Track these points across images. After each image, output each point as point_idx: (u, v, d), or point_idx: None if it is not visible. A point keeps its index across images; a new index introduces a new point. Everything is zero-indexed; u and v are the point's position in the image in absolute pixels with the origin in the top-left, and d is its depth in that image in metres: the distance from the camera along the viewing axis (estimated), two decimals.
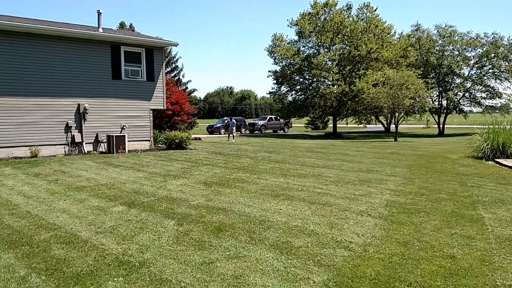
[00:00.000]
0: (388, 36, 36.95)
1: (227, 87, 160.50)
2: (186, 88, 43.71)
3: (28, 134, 15.33)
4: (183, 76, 43.78)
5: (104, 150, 17.06)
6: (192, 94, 46.95)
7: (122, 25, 41.19)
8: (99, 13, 18.28)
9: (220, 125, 41.49)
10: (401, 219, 6.24)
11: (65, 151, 16.16)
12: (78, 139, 16.40)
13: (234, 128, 29.45)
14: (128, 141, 17.16)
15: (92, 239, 5.28)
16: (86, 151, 16.49)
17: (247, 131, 43.14)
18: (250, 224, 5.90)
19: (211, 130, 40.52)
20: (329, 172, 11.36)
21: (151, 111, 18.71)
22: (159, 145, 19.52)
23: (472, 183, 9.69)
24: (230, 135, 28.83)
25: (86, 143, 16.68)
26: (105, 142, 17.10)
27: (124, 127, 17.70)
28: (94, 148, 16.99)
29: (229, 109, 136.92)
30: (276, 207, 6.96)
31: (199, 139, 26.90)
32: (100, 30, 17.97)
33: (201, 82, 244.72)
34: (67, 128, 16.26)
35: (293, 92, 40.00)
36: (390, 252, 4.74)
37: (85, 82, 16.66)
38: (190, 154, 16.46)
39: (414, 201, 7.56)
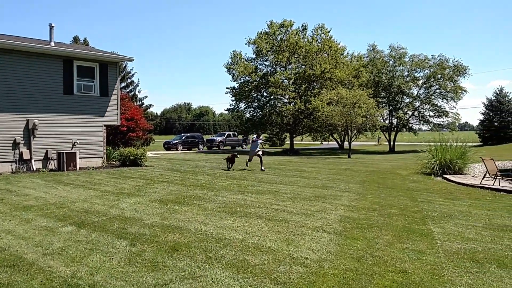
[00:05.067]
0: (341, 56, 38.35)
1: (184, 103, 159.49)
2: (142, 103, 42.99)
3: None
4: (139, 92, 43.09)
5: (54, 168, 16.31)
6: (148, 110, 46.22)
7: (76, 39, 40.12)
8: (51, 27, 17.69)
9: (177, 141, 40.94)
10: (354, 234, 6.38)
11: (12, 169, 15.30)
12: (26, 156, 15.61)
13: (258, 150, 17.54)
14: (79, 158, 16.51)
15: (38, 261, 4.99)
16: (35, 169, 15.70)
17: (205, 148, 42.84)
18: (207, 243, 5.81)
19: (168, 146, 39.86)
20: (286, 188, 11.47)
21: (105, 127, 18.17)
22: (113, 162, 18.94)
23: (422, 198, 10.11)
24: (255, 156, 17.66)
25: (35, 160, 15.89)
26: (55, 159, 16.37)
27: (76, 143, 17.05)
28: (44, 165, 16.21)
29: (187, 125, 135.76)
30: (233, 225, 6.91)
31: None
32: (52, 44, 17.37)
33: (158, 98, 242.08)
34: (15, 145, 15.44)
35: (251, 109, 40.36)
36: (345, 268, 4.81)
37: (35, 97, 15.98)
38: (145, 171, 16.08)
39: (367, 216, 7.77)
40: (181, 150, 38.67)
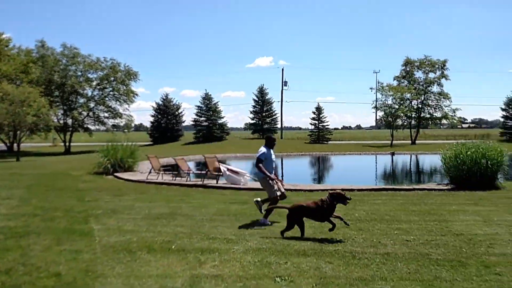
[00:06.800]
0: (6, 49, 34.06)
1: None
2: None
3: None
4: None
5: None
6: None
7: None
8: None
9: None
10: (8, 245, 5.73)
11: None
12: None
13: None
14: None
15: None
16: None
17: None
18: None
19: None
20: None
21: None
22: None
23: (90, 197, 10.18)
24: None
25: None
26: None
27: None
28: None
29: None
30: None
31: None
32: None
33: None
34: None
35: None
36: None
37: None
38: None
39: (26, 223, 7.14)
40: None
